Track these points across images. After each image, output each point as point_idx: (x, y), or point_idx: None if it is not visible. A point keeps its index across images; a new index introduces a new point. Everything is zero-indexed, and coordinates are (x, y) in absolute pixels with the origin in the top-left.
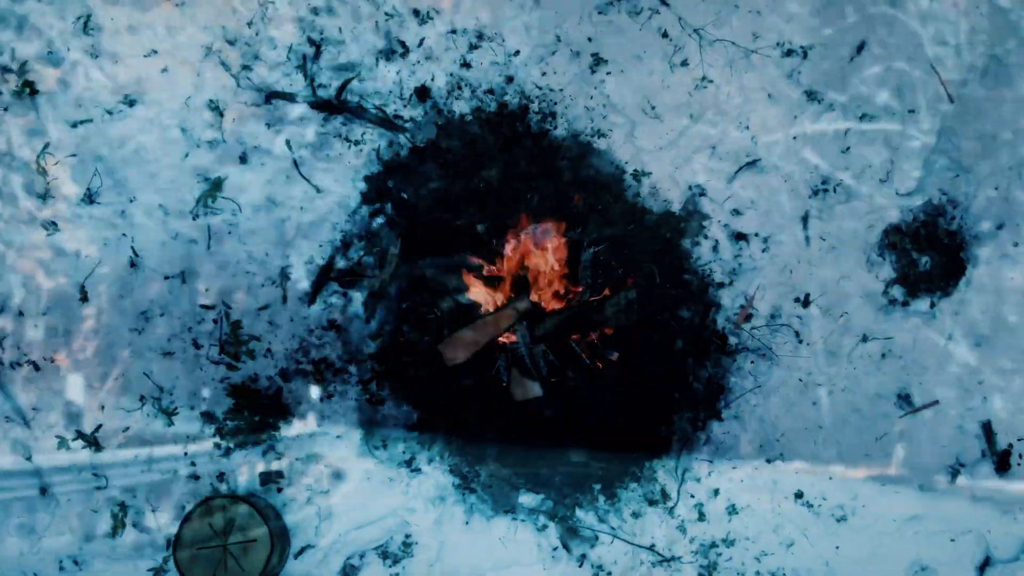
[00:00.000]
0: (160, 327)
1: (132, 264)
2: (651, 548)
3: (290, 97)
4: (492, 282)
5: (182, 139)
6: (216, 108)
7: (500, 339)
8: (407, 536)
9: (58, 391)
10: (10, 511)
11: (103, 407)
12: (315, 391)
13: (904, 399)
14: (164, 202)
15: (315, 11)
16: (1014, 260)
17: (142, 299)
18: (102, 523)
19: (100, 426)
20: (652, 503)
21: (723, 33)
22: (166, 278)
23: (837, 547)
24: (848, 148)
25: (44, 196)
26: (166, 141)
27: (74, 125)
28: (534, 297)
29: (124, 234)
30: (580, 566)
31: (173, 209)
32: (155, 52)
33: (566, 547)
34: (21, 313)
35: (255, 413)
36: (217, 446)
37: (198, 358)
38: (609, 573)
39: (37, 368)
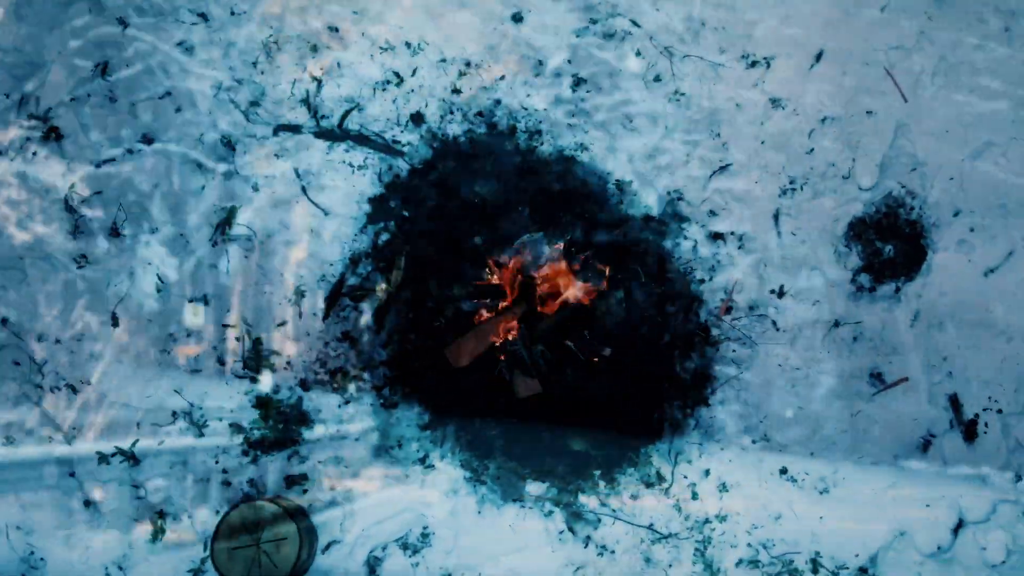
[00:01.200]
0: (187, 346)
1: (158, 290)
2: (650, 527)
3: (296, 129)
4: (491, 290)
5: (198, 173)
6: (228, 142)
7: (501, 341)
8: (425, 528)
9: (95, 411)
10: (58, 524)
11: (138, 424)
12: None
13: (876, 377)
14: (185, 231)
15: (314, 48)
16: (970, 244)
17: (169, 322)
18: (143, 530)
19: (136, 441)
20: (649, 485)
21: (692, 49)
22: (190, 301)
23: (821, 517)
24: (812, 149)
25: (74, 232)
26: (184, 175)
27: (97, 165)
28: (530, 301)
29: (149, 263)
30: (585, 547)
31: (193, 237)
32: (169, 94)
33: (571, 530)
34: (58, 341)
35: (279, 422)
36: (245, 453)
37: (223, 374)
38: (612, 552)
39: (75, 391)
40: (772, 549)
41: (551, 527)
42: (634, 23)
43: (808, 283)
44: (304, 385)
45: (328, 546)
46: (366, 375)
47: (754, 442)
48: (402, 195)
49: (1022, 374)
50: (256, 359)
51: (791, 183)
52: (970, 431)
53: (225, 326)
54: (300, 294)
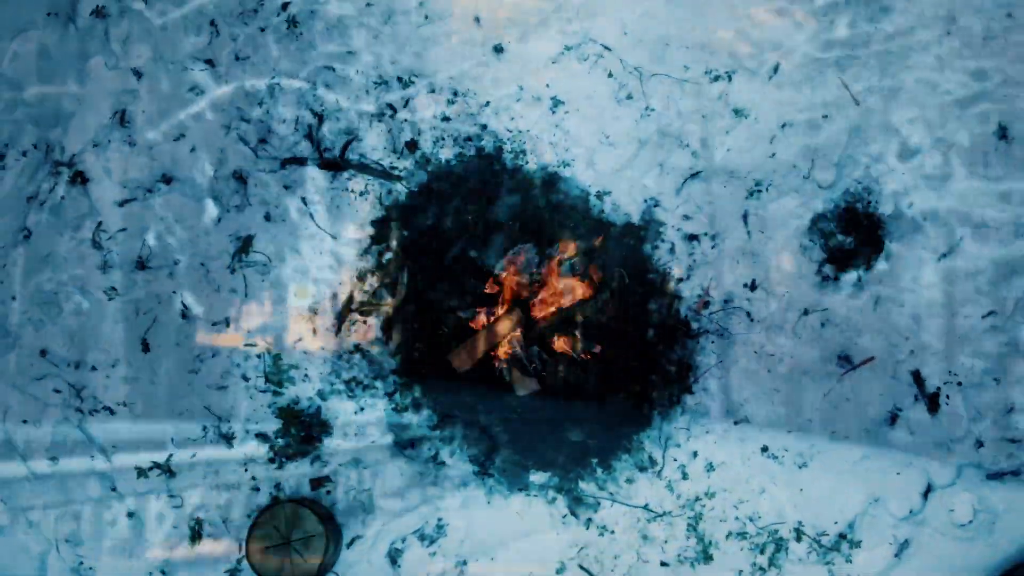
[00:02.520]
0: (213, 366)
1: (183, 316)
2: (645, 507)
3: (301, 161)
4: (488, 298)
5: (214, 206)
6: (240, 177)
7: (500, 345)
8: (439, 519)
9: (132, 430)
10: (104, 534)
11: (172, 439)
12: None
13: (844, 359)
14: (205, 261)
15: (314, 86)
16: (925, 233)
17: (195, 344)
18: (182, 536)
19: (171, 455)
20: (642, 469)
21: (659, 68)
22: (213, 324)
23: (801, 490)
24: (774, 153)
25: (103, 267)
26: (201, 209)
27: (121, 204)
28: (524, 307)
29: (174, 291)
30: (587, 529)
31: (213, 266)
32: (183, 136)
33: (574, 514)
34: (94, 368)
35: (300, 430)
36: (271, 460)
37: (247, 389)
38: (612, 532)
39: (112, 412)
40: (758, 521)
41: (555, 512)
42: (605, 47)
43: (777, 276)
44: (322, 395)
45: (352, 541)
46: (378, 383)
47: (736, 424)
48: (402, 216)
49: (977, 349)
50: (276, 374)
51: (757, 185)
52: (933, 403)
53: (247, 345)
54: (313, 312)
